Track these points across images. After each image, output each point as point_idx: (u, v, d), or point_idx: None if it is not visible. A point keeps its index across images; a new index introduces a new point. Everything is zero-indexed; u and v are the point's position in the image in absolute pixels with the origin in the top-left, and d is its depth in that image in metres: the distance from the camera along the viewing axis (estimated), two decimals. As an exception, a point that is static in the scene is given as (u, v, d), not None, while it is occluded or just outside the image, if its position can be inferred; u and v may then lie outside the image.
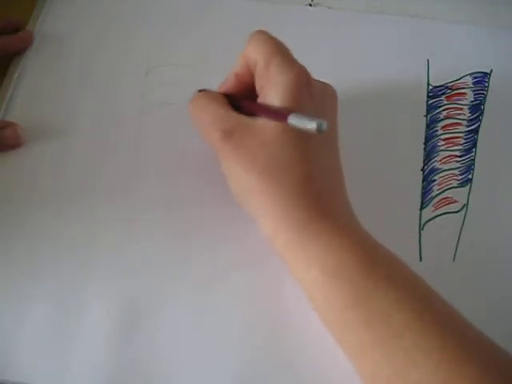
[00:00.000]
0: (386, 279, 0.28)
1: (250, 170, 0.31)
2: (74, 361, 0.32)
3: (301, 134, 0.31)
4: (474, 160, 0.39)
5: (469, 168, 0.39)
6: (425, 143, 0.40)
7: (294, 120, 0.29)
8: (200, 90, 0.37)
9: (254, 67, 0.33)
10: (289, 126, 0.30)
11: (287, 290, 0.34)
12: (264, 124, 0.31)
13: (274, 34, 0.42)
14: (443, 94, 0.41)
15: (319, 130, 0.28)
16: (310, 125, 0.28)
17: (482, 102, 0.41)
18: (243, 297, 0.34)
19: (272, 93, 0.32)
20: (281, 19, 0.44)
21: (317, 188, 0.31)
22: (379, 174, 0.38)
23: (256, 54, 0.33)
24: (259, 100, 0.33)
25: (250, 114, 0.33)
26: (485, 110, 0.41)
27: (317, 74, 0.42)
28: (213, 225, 0.36)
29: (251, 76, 0.34)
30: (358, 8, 0.45)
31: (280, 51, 0.33)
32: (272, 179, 0.31)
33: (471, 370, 0.25)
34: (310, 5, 0.45)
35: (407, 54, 0.43)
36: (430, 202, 0.38)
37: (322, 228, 0.30)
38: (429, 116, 0.41)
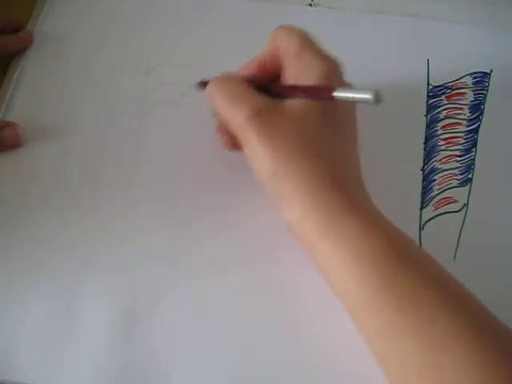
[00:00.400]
0: (418, 265, 0.28)
1: (280, 151, 0.30)
2: (74, 361, 0.32)
3: (335, 116, 0.31)
4: (474, 160, 0.39)
5: (469, 168, 0.39)
6: (425, 143, 0.40)
7: (342, 93, 0.29)
8: (200, 82, 0.36)
9: (283, 54, 0.33)
10: (318, 107, 0.30)
11: (289, 283, 0.34)
12: (296, 103, 0.31)
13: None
14: (443, 93, 0.41)
15: (377, 99, 0.27)
16: (366, 94, 0.27)
17: (482, 102, 0.41)
18: (243, 293, 0.34)
19: (308, 75, 0.32)
20: (281, 19, 0.44)
21: (345, 172, 0.31)
22: (379, 173, 0.38)
23: (289, 41, 0.33)
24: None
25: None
26: (485, 110, 0.41)
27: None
28: (213, 225, 0.36)
29: (275, 65, 0.34)
30: (358, 8, 0.45)
31: (313, 41, 0.33)
32: (302, 160, 0.30)
33: (501, 359, 0.25)
34: (310, 5, 0.45)
35: (407, 53, 0.43)
36: (430, 201, 0.38)
37: (353, 210, 0.30)
38: (429, 116, 0.41)
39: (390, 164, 0.39)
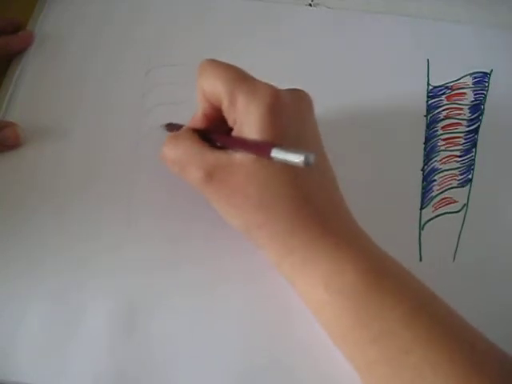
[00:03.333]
0: (393, 293, 0.28)
1: (243, 207, 0.30)
2: (74, 360, 0.32)
3: (278, 165, 0.30)
4: (474, 160, 0.39)
5: (469, 168, 0.39)
6: (425, 143, 0.40)
7: (277, 154, 0.28)
8: (168, 124, 0.37)
9: (219, 103, 0.31)
10: (267, 161, 0.29)
11: (287, 292, 0.34)
12: (244, 158, 0.30)
13: (274, 34, 0.42)
14: (443, 93, 0.41)
15: (306, 162, 0.26)
16: (296, 158, 0.27)
17: (482, 102, 0.41)
18: (242, 298, 0.34)
19: (247, 127, 0.30)
20: (281, 19, 0.44)
21: (313, 208, 0.30)
22: (379, 174, 0.38)
23: (215, 90, 0.31)
24: (235, 133, 0.31)
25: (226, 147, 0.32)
26: (485, 110, 0.41)
27: (316, 74, 0.42)
28: (214, 228, 0.36)
29: (218, 110, 0.32)
30: (358, 8, 0.45)
31: (239, 79, 0.31)
32: (267, 212, 0.30)
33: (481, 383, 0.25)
34: (310, 5, 0.45)
35: (407, 54, 0.43)
36: (430, 201, 0.38)
37: (325, 247, 0.30)
38: (429, 116, 0.41)
39: (390, 164, 0.39)
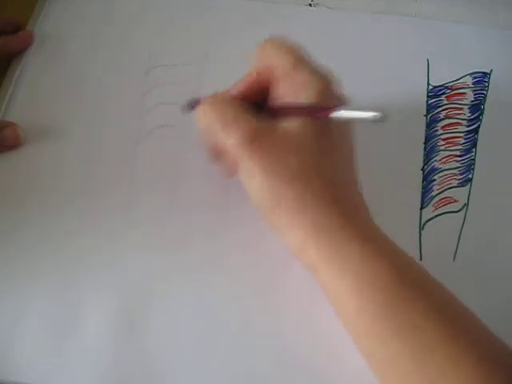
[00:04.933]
0: (418, 287, 0.28)
1: (281, 177, 0.29)
2: (74, 360, 0.32)
3: (332, 136, 0.31)
4: (474, 160, 0.39)
5: (469, 168, 0.39)
6: (425, 143, 0.40)
7: (345, 113, 0.28)
8: (192, 101, 0.35)
9: (275, 72, 0.32)
10: (315, 129, 0.29)
11: (287, 291, 0.34)
12: (293, 125, 0.30)
13: (274, 34, 0.42)
14: (443, 93, 0.41)
15: (382, 118, 0.26)
16: (370, 114, 0.26)
17: (482, 102, 0.41)
18: (243, 296, 0.34)
19: (306, 94, 0.30)
20: (281, 19, 0.44)
21: (344, 194, 0.30)
22: (379, 173, 0.38)
23: (280, 58, 0.31)
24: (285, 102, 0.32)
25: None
26: (485, 110, 0.41)
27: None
28: (214, 224, 0.36)
29: (266, 83, 0.32)
30: (358, 8, 0.45)
31: (306, 56, 0.32)
32: (306, 184, 0.29)
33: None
34: (310, 5, 0.45)
35: (407, 53, 0.43)
36: (430, 201, 0.38)
37: (354, 234, 0.29)
38: (429, 116, 0.41)
39: (390, 164, 0.39)
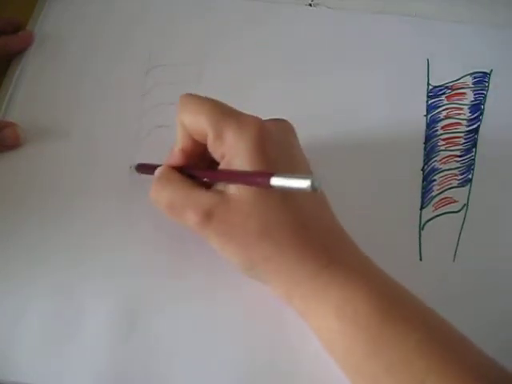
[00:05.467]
0: (405, 321, 0.28)
1: (246, 244, 0.30)
2: (74, 360, 0.32)
3: (276, 193, 0.29)
4: (474, 160, 0.39)
5: (469, 168, 0.39)
6: (425, 143, 0.40)
7: (279, 182, 0.26)
8: (138, 165, 0.35)
9: (202, 138, 0.31)
10: (262, 190, 0.28)
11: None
12: (240, 192, 0.29)
13: (274, 34, 0.42)
14: (443, 93, 0.41)
15: (314, 187, 0.24)
16: (302, 184, 0.25)
17: (482, 102, 0.41)
18: (243, 298, 0.34)
19: (238, 160, 0.29)
20: (281, 19, 0.44)
21: (317, 236, 0.30)
22: (379, 173, 0.38)
23: (199, 125, 0.30)
24: (223, 167, 0.30)
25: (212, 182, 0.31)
26: (485, 110, 0.41)
27: (316, 74, 0.42)
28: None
29: (199, 145, 0.32)
30: (358, 8, 0.45)
31: (224, 113, 0.30)
32: (271, 243, 0.29)
33: None
34: (310, 5, 0.45)
35: (407, 53, 0.43)
36: (430, 201, 0.38)
37: (334, 275, 0.29)
38: (429, 116, 0.41)
39: (390, 164, 0.39)
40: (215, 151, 0.31)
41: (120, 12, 0.45)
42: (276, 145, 0.30)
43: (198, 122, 0.30)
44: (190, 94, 0.31)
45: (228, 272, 0.35)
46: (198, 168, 0.32)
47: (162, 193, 0.32)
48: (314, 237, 0.30)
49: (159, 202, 0.32)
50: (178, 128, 0.32)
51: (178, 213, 0.31)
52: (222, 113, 0.30)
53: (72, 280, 0.34)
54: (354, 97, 0.41)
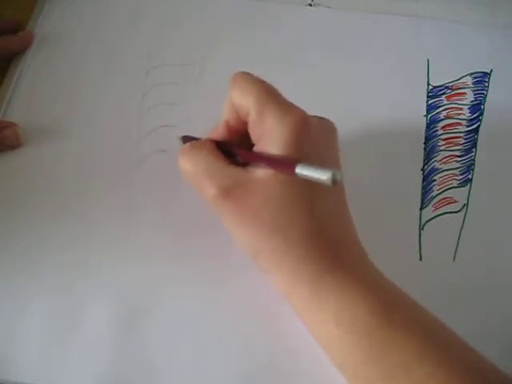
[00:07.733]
0: (405, 326, 0.28)
1: (256, 230, 0.29)
2: (74, 360, 0.32)
3: (303, 184, 0.29)
4: (474, 160, 0.39)
5: (469, 168, 0.39)
6: (425, 143, 0.40)
7: (303, 170, 0.27)
8: (184, 137, 0.35)
9: (246, 116, 0.31)
10: (285, 179, 0.28)
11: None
12: (263, 177, 0.29)
13: (274, 34, 0.42)
14: (443, 93, 0.41)
15: (334, 181, 0.25)
16: (323, 175, 0.25)
17: (482, 102, 0.41)
18: (243, 299, 0.34)
19: (272, 143, 0.29)
20: (281, 19, 0.44)
21: (327, 239, 0.30)
22: (379, 174, 0.38)
23: (245, 103, 0.30)
24: (257, 149, 0.31)
25: (246, 162, 0.31)
26: (485, 110, 0.41)
27: (316, 74, 0.42)
28: (215, 223, 0.36)
29: (243, 123, 0.32)
30: (358, 8, 0.45)
31: (271, 97, 0.30)
32: (281, 236, 0.29)
33: None
34: (310, 5, 0.45)
35: (407, 54, 0.43)
36: (430, 201, 0.38)
37: (335, 280, 0.29)
38: (429, 116, 0.41)
39: (390, 164, 0.39)
40: (254, 132, 0.31)
41: (120, 12, 0.45)
42: (313, 141, 0.30)
43: (245, 100, 0.30)
44: (243, 72, 0.32)
45: (229, 273, 0.35)
46: (241, 146, 0.32)
47: (187, 160, 0.31)
48: (323, 239, 0.30)
49: (182, 168, 0.32)
50: (226, 103, 0.32)
51: (198, 182, 0.31)
52: (269, 96, 0.30)
53: (72, 280, 0.35)
54: (353, 97, 0.41)
